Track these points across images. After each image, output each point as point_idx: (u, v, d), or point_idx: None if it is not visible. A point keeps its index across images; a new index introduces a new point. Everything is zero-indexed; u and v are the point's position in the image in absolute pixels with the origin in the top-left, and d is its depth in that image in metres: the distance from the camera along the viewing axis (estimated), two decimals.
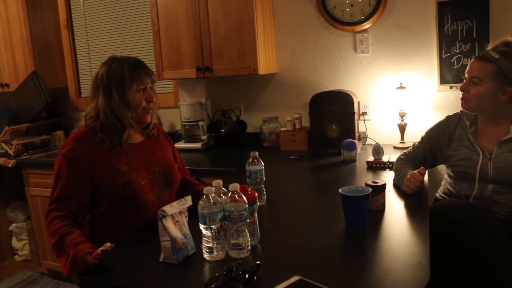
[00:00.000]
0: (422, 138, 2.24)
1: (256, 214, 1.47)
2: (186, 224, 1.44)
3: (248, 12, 2.80)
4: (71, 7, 4.03)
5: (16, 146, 3.61)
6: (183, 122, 3.28)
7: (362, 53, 2.95)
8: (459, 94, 2.07)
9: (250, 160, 1.82)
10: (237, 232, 1.37)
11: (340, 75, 3.03)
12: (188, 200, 1.46)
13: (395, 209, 1.77)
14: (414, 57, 2.82)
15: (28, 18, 3.73)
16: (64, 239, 1.55)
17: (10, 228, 4.03)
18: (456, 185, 2.05)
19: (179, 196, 1.93)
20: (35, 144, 3.80)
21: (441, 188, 2.21)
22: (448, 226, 1.74)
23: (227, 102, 3.38)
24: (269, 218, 1.77)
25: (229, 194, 1.36)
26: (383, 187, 1.73)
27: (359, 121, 2.96)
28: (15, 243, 4.07)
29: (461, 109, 2.09)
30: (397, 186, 2.05)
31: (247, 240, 1.39)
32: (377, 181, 1.75)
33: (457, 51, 2.69)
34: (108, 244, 1.38)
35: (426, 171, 2.02)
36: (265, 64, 2.94)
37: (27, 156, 3.56)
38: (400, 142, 2.79)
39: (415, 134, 2.80)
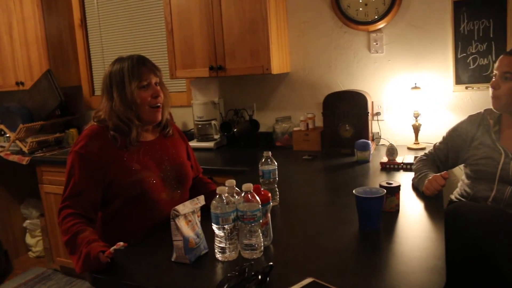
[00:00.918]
0: (444, 138, 2.21)
1: (269, 215, 1.46)
2: (198, 224, 1.43)
3: (262, 11, 2.79)
4: (85, 6, 4.06)
5: (31, 144, 3.65)
6: (196, 121, 3.28)
7: (376, 53, 2.93)
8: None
9: (263, 160, 1.81)
10: (250, 232, 1.36)
11: (353, 75, 3.01)
12: (201, 200, 1.45)
13: (409, 211, 1.75)
14: (429, 57, 2.78)
15: (43, 17, 3.76)
16: (77, 237, 1.55)
17: (24, 225, 4.07)
18: (474, 186, 2.02)
19: (191, 194, 1.93)
20: (49, 141, 3.83)
21: (457, 189, 2.18)
22: (464, 229, 1.71)
23: (240, 101, 3.38)
24: (282, 219, 1.76)
25: (242, 194, 1.35)
26: (397, 188, 1.71)
27: (373, 121, 2.93)
28: (29, 239, 4.11)
29: (484, 109, 2.06)
30: (414, 188, 2.02)
31: (260, 240, 1.38)
32: (391, 182, 1.73)
33: (473, 51, 2.65)
34: (121, 243, 1.38)
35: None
36: (278, 63, 2.92)
37: (41, 154, 3.59)
38: (414, 143, 2.76)
39: (429, 135, 2.77)
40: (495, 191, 1.93)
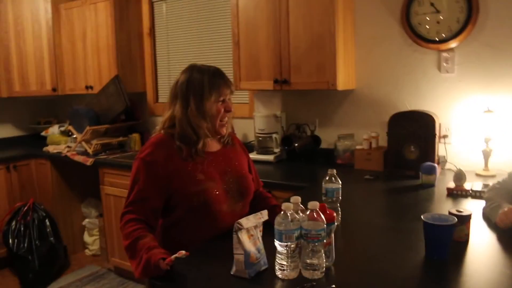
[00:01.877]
0: None
1: (333, 235, 1.42)
2: (260, 239, 1.41)
3: (330, 26, 2.76)
4: (155, 15, 4.19)
5: (95, 146, 3.78)
6: (257, 133, 3.28)
7: (446, 73, 2.82)
8: None
9: (327, 177, 1.77)
10: (313, 252, 1.32)
11: (421, 95, 2.91)
12: (264, 215, 1.43)
13: (480, 242, 1.64)
14: (504, 79, 2.64)
15: (114, 25, 3.91)
16: (138, 242, 1.57)
17: (83, 223, 4.22)
18: None
19: (251, 207, 1.91)
20: (112, 145, 3.96)
21: None
22: None
23: (302, 116, 3.35)
24: (343, 240, 1.71)
25: (307, 212, 1.32)
26: (468, 217, 1.62)
27: (439, 144, 2.81)
28: (86, 237, 4.25)
29: None
30: (485, 217, 1.91)
31: (322, 261, 1.34)
32: (461, 210, 1.64)
33: None
34: (183, 252, 1.38)
35: None
36: (344, 79, 2.88)
37: (104, 156, 3.71)
38: (484, 170, 2.63)
39: (500, 162, 2.63)
40: None
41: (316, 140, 3.16)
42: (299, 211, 1.37)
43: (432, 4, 2.76)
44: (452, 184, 2.31)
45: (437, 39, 2.77)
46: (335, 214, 1.43)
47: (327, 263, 1.39)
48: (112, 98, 3.84)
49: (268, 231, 1.38)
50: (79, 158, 3.72)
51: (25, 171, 4.09)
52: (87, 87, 4.16)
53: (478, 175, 2.62)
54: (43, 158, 4.06)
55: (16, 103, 4.68)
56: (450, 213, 1.61)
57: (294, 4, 2.89)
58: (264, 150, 3.29)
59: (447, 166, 2.81)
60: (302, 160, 3.19)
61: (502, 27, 2.62)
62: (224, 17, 3.68)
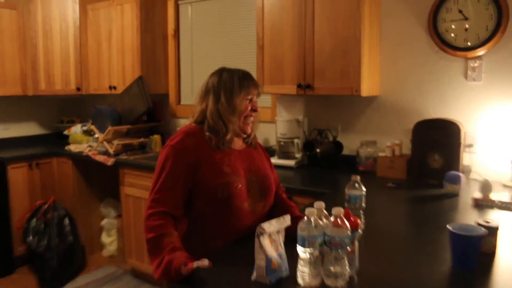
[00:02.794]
0: None
1: (356, 243, 1.39)
2: (282, 245, 1.38)
3: (355, 32, 2.73)
4: (180, 17, 4.20)
5: (117, 146, 3.79)
6: (279, 138, 3.25)
7: (473, 81, 2.76)
8: None
9: (350, 184, 1.74)
10: (336, 259, 1.29)
11: (446, 103, 2.86)
12: (287, 220, 1.41)
13: (508, 255, 1.60)
14: None
15: (140, 27, 3.94)
16: (162, 240, 1.56)
17: (102, 223, 4.23)
18: None
19: (274, 216, 1.89)
20: (133, 145, 3.97)
21: None
22: None
23: (325, 121, 3.32)
24: (366, 248, 1.67)
25: (331, 218, 1.30)
26: (496, 228, 1.57)
27: (464, 153, 2.75)
28: (104, 238, 4.26)
29: None
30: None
31: (345, 269, 1.31)
32: (489, 221, 1.59)
33: None
34: (206, 261, 1.37)
35: None
36: (368, 85, 2.84)
37: (125, 157, 3.72)
38: (511, 180, 2.56)
39: None
40: None
41: (338, 146, 3.13)
42: (323, 217, 1.34)
43: (460, 11, 2.72)
44: (478, 194, 2.25)
45: (464, 47, 2.72)
46: (359, 221, 1.39)
47: (350, 272, 1.36)
48: (134, 99, 3.87)
49: (290, 238, 1.35)
50: (100, 158, 3.75)
51: (47, 169, 4.13)
52: (110, 87, 4.19)
53: (505, 186, 2.55)
54: (64, 156, 4.10)
55: (41, 102, 4.74)
56: (478, 224, 1.57)
57: (320, 8, 2.87)
58: (286, 155, 3.26)
59: (472, 175, 2.75)
60: (323, 166, 3.16)
61: None
62: (249, 20, 3.67)
